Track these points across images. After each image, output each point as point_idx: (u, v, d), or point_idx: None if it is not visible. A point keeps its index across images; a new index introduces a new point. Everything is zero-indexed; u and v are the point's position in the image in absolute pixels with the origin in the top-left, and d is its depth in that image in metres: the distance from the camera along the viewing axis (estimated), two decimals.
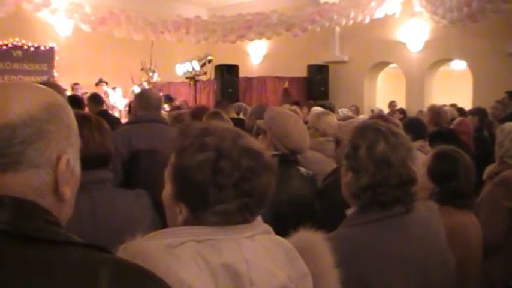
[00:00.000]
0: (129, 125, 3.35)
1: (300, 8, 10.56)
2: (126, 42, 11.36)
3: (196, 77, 10.65)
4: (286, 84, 11.52)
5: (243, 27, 10.42)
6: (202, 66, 10.61)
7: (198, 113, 3.96)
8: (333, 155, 2.81)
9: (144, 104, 3.30)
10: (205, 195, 1.05)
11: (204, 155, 1.06)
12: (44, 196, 0.81)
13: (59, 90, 3.32)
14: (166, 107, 9.45)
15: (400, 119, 4.67)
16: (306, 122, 3.11)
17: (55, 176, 0.83)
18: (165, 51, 11.44)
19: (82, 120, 1.74)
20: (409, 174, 1.54)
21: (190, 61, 10.61)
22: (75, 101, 5.00)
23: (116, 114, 8.76)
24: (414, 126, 3.69)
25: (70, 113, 0.89)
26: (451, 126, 5.50)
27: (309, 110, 6.30)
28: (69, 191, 0.85)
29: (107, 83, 10.36)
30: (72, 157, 0.87)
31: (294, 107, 6.25)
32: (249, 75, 12.49)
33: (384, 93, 12.67)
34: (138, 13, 10.81)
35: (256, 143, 1.14)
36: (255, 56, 14.12)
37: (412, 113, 9.45)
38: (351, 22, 10.21)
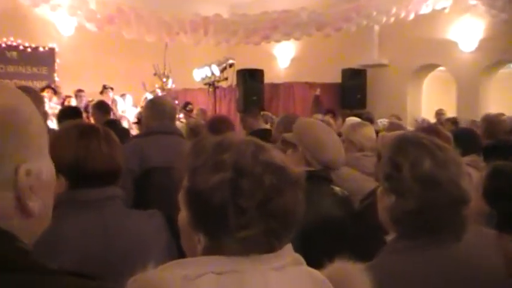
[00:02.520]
0: (141, 138, 3.40)
1: (333, 5, 10.58)
2: (136, 44, 11.50)
3: (215, 83, 10.73)
4: (318, 91, 11.53)
5: (268, 27, 10.49)
6: (222, 71, 10.69)
7: (216, 124, 3.99)
8: (372, 172, 2.80)
9: (157, 113, 3.34)
10: (224, 221, 1.04)
11: (220, 175, 1.05)
12: (8, 218, 0.80)
13: (30, 94, 3.29)
14: (181, 116, 9.56)
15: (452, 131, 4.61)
16: (339, 135, 3.11)
17: (16, 191, 0.81)
18: (180, 55, 11.56)
19: (88, 131, 1.81)
20: (461, 194, 1.52)
21: (209, 65, 10.70)
22: (68, 112, 5.12)
23: (125, 125, 8.86)
24: (466, 138, 3.64)
25: (26, 116, 0.87)
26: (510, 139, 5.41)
27: (344, 121, 6.29)
28: (38, 204, 0.84)
29: (112, 89, 10.48)
30: (36, 165, 0.85)
31: (327, 117, 6.25)
32: (275, 81, 12.55)
33: (430, 100, 12.54)
34: (151, 11, 10.88)
35: (279, 156, 1.13)
36: (282, 59, 14.20)
37: (464, 123, 9.32)
38: (392, 19, 10.17)
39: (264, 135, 4.36)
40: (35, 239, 0.86)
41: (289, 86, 12.32)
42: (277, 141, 3.15)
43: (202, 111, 9.76)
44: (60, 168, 1.69)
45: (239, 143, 1.12)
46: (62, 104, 9.88)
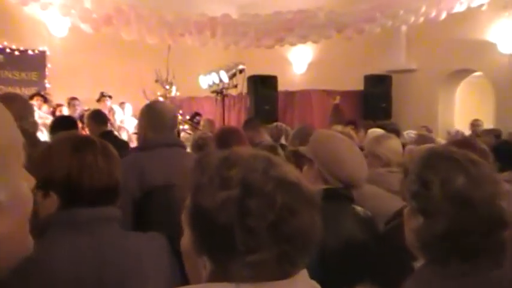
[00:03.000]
0: (139, 152, 3.34)
1: (355, 3, 10.59)
2: (136, 47, 11.61)
3: (224, 90, 10.75)
4: (337, 100, 11.54)
5: (282, 28, 10.53)
6: (231, 77, 10.69)
7: (225, 137, 3.98)
8: (398, 190, 2.79)
9: (156, 123, 3.29)
10: (231, 243, 1.05)
11: (227, 193, 1.06)
12: None
13: (17, 102, 3.25)
14: (186, 127, 9.58)
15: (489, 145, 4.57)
16: (362, 148, 3.11)
17: None
18: (185, 59, 11.62)
19: (83, 144, 1.81)
20: (498, 215, 1.51)
21: (217, 71, 10.72)
22: (62, 122, 5.19)
23: (124, 137, 8.91)
24: (505, 152, 3.63)
25: None
26: None
27: (366, 133, 6.28)
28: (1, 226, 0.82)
29: (110, 97, 10.55)
30: None
31: (347, 129, 6.24)
32: (290, 88, 12.59)
33: (465, 110, 12.50)
34: (152, 11, 10.92)
35: (293, 172, 1.14)
36: (298, 64, 14.26)
37: (503, 135, 9.25)
38: (421, 19, 10.15)
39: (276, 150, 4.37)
40: (10, 265, 0.84)
41: (305, 94, 12.35)
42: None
43: (209, 122, 9.75)
44: (51, 185, 1.74)
45: (248, 158, 1.13)
46: (53, 113, 9.94)
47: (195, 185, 1.12)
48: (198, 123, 10.36)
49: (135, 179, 3.04)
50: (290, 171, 1.13)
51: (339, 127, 6.77)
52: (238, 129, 5.21)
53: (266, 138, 5.55)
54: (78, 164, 1.75)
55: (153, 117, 3.35)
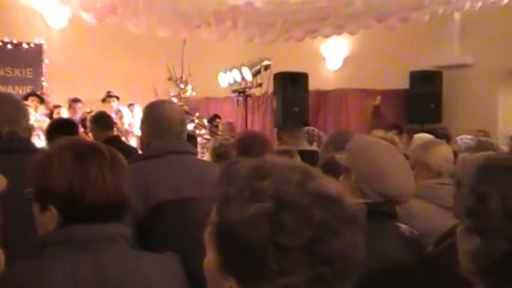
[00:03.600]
0: (143, 162, 3.26)
1: None
2: (146, 40, 11.69)
3: (247, 90, 10.76)
4: (378, 101, 11.50)
5: (314, 18, 10.51)
6: (255, 74, 10.70)
7: (248, 143, 3.99)
8: (449, 206, 2.78)
9: (160, 127, 3.26)
10: (262, 264, 1.06)
11: (259, 206, 1.08)
12: None
13: (9, 103, 3.25)
14: (203, 131, 9.61)
15: None
16: (406, 157, 3.09)
17: None
18: (202, 54, 11.68)
19: (87, 152, 1.82)
20: None
21: (239, 68, 10.74)
22: (61, 126, 5.24)
23: (133, 143, 8.94)
24: None
25: None
26: None
27: (411, 138, 6.25)
28: None
29: (118, 98, 10.65)
30: None
31: (390, 134, 6.22)
32: (323, 87, 12.60)
33: None
34: None
35: (334, 186, 1.15)
36: (332, 60, 14.23)
37: None
38: (479, 5, 10.05)
39: (309, 158, 4.37)
40: None
41: (340, 94, 12.34)
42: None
43: (230, 126, 9.75)
44: (50, 198, 1.76)
45: (282, 168, 1.15)
46: (50, 116, 9.99)
47: (221, 198, 1.14)
48: (216, 127, 10.38)
49: (139, 194, 2.91)
50: (330, 184, 1.15)
51: (380, 132, 6.74)
52: (263, 134, 5.23)
53: (305, 146, 5.55)
54: (81, 175, 1.76)
55: (157, 120, 3.30)
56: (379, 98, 11.60)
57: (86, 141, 2.14)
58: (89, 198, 1.75)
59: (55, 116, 9.84)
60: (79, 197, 1.74)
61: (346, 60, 14.08)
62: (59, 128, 5.21)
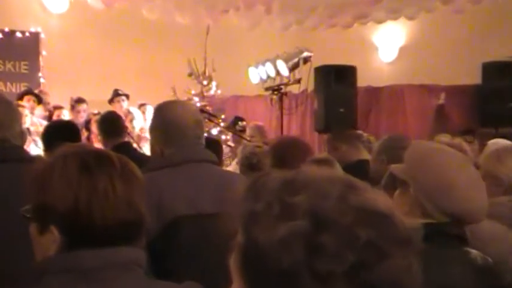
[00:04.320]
0: (156, 172, 3.29)
1: None
2: (162, 28, 11.72)
3: (282, 87, 10.77)
4: (442, 98, 11.43)
5: (363, 0, 10.47)
6: (293, 69, 10.71)
7: (284, 151, 3.99)
8: None
9: (172, 133, 3.30)
10: None
11: (291, 224, 1.07)
12: None
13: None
14: (228, 137, 9.60)
15: None
16: (477, 167, 3.08)
17: None
18: (229, 45, 11.68)
19: (96, 161, 1.83)
20: None
21: (273, 61, 10.76)
22: (61, 130, 5.32)
23: (146, 150, 8.92)
24: None
25: None
26: None
27: (484, 145, 6.20)
28: None
29: (127, 97, 10.68)
30: None
31: (458, 140, 6.17)
32: (375, 83, 12.53)
33: None
34: None
35: (383, 201, 1.14)
36: (386, 50, 14.18)
37: None
38: None
39: (357, 169, 4.36)
40: None
41: (396, 91, 12.26)
42: (380, 175, 3.16)
43: (259, 130, 9.61)
44: (51, 217, 1.77)
45: (320, 180, 1.14)
46: (49, 118, 10.02)
47: (247, 216, 1.14)
48: (242, 130, 10.32)
49: (151, 208, 2.92)
50: (378, 198, 1.14)
51: (446, 137, 6.69)
52: (302, 141, 5.20)
53: (365, 156, 5.52)
54: (87, 189, 1.76)
55: (168, 125, 3.34)
56: (443, 95, 11.52)
57: (92, 149, 2.15)
58: (97, 216, 1.75)
59: (55, 118, 9.83)
60: (85, 214, 1.74)
61: (402, 50, 13.99)
62: (58, 133, 5.26)
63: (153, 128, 3.48)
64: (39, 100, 10.49)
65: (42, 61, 12.55)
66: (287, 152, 3.98)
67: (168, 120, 3.35)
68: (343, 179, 1.17)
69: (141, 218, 1.86)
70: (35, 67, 12.49)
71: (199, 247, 2.94)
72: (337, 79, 11.41)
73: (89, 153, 1.90)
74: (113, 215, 1.78)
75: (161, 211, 3.05)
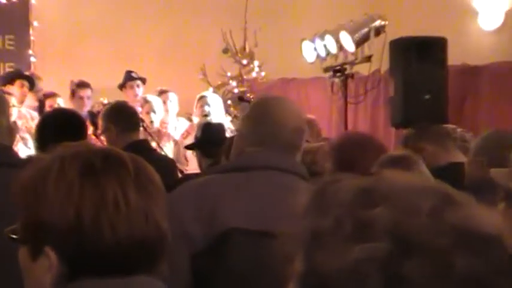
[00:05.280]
0: (215, 176, 3.41)
1: None
2: None
3: (347, 67, 10.76)
4: None
5: None
6: (361, 43, 10.71)
7: (353, 151, 4.03)
8: None
9: (271, 132, 3.37)
10: None
11: (367, 247, 1.07)
12: None
13: None
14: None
15: None
16: None
17: None
18: (275, 13, 11.73)
19: (103, 164, 1.83)
20: None
21: (335, 32, 10.75)
22: (61, 124, 5.31)
23: (168, 151, 8.99)
24: None
25: None
26: None
27: None
28: None
29: (144, 82, 10.75)
30: None
31: None
32: (472, 61, 12.43)
33: None
34: None
35: (490, 219, 1.13)
36: (488, 16, 14.03)
37: None
38: None
39: (444, 174, 4.34)
40: None
41: (502, 72, 12.17)
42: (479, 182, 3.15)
43: (310, 124, 9.59)
44: (47, 238, 1.78)
45: (404, 189, 1.14)
46: (40, 109, 10.13)
47: (309, 235, 1.13)
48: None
49: (201, 223, 3.08)
50: (482, 215, 1.12)
51: None
52: (373, 138, 5.22)
53: (458, 158, 5.51)
54: (93, 199, 1.75)
55: (259, 121, 3.43)
56: None
57: (98, 148, 2.18)
58: (105, 234, 1.74)
59: (47, 109, 9.67)
60: (90, 233, 1.73)
61: (510, 16, 13.82)
62: (57, 128, 5.22)
63: (246, 122, 3.61)
64: (32, 85, 10.44)
65: (32, 34, 12.68)
66: (355, 152, 3.98)
67: (260, 115, 3.48)
68: (438, 188, 1.15)
69: (161, 236, 1.84)
70: (23, 42, 12.64)
71: (251, 272, 2.96)
72: (420, 56, 11.32)
73: (94, 153, 1.89)
74: (126, 232, 1.76)
75: (213, 224, 3.13)
